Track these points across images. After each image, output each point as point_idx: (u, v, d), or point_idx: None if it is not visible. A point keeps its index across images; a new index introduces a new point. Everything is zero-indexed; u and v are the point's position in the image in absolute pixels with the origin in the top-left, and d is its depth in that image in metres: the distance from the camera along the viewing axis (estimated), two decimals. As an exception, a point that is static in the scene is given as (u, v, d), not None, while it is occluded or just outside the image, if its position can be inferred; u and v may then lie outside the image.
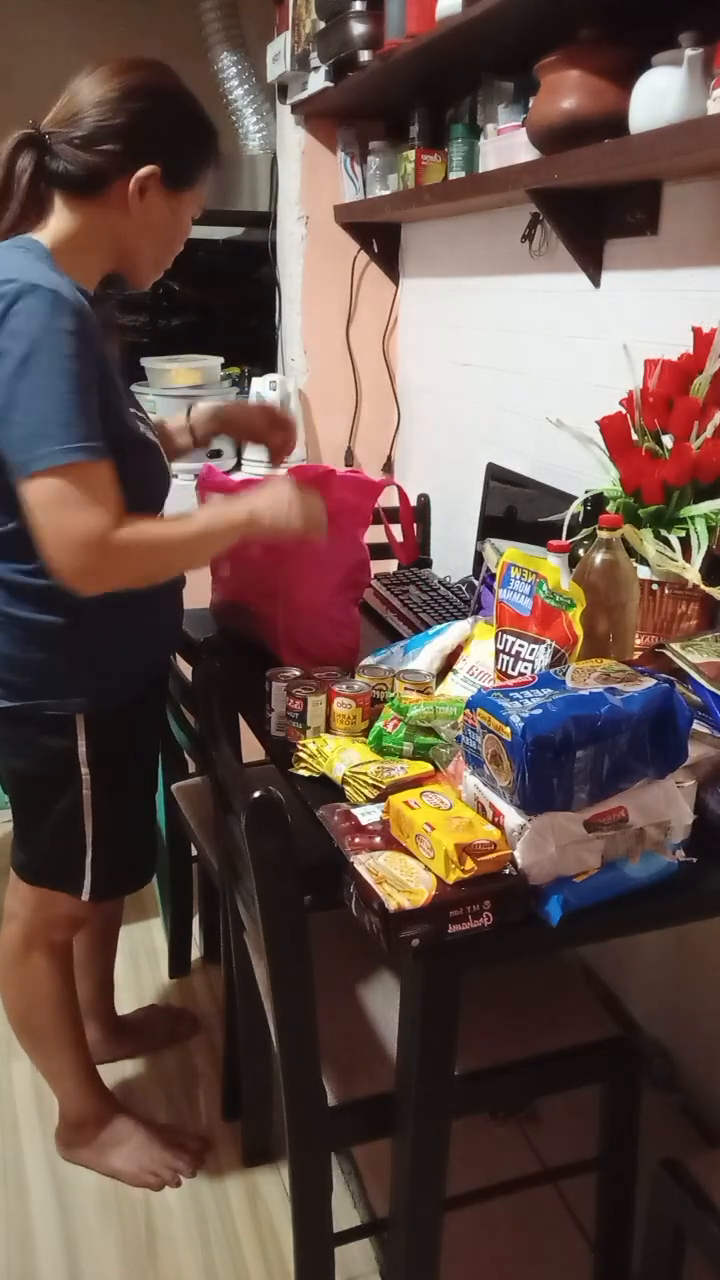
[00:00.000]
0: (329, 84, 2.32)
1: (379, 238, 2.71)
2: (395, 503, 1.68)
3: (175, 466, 1.54)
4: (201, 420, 1.64)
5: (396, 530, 1.70)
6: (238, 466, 2.81)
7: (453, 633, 1.47)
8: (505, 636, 1.24)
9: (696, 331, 1.45)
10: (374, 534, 1.71)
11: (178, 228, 1.36)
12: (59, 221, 1.29)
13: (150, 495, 1.37)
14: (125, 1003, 2.03)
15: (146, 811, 1.58)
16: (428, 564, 2.33)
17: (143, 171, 1.27)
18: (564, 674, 1.06)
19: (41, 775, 1.41)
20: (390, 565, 2.25)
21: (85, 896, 1.48)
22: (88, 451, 1.18)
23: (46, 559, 1.20)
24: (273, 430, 1.65)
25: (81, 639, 1.34)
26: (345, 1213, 1.58)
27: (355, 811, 1.11)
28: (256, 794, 1.05)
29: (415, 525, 2.41)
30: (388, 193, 2.43)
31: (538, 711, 0.96)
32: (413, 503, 2.44)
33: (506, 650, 1.24)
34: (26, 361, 1.15)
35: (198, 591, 1.70)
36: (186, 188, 1.33)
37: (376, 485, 1.58)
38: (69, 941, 1.59)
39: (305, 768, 1.29)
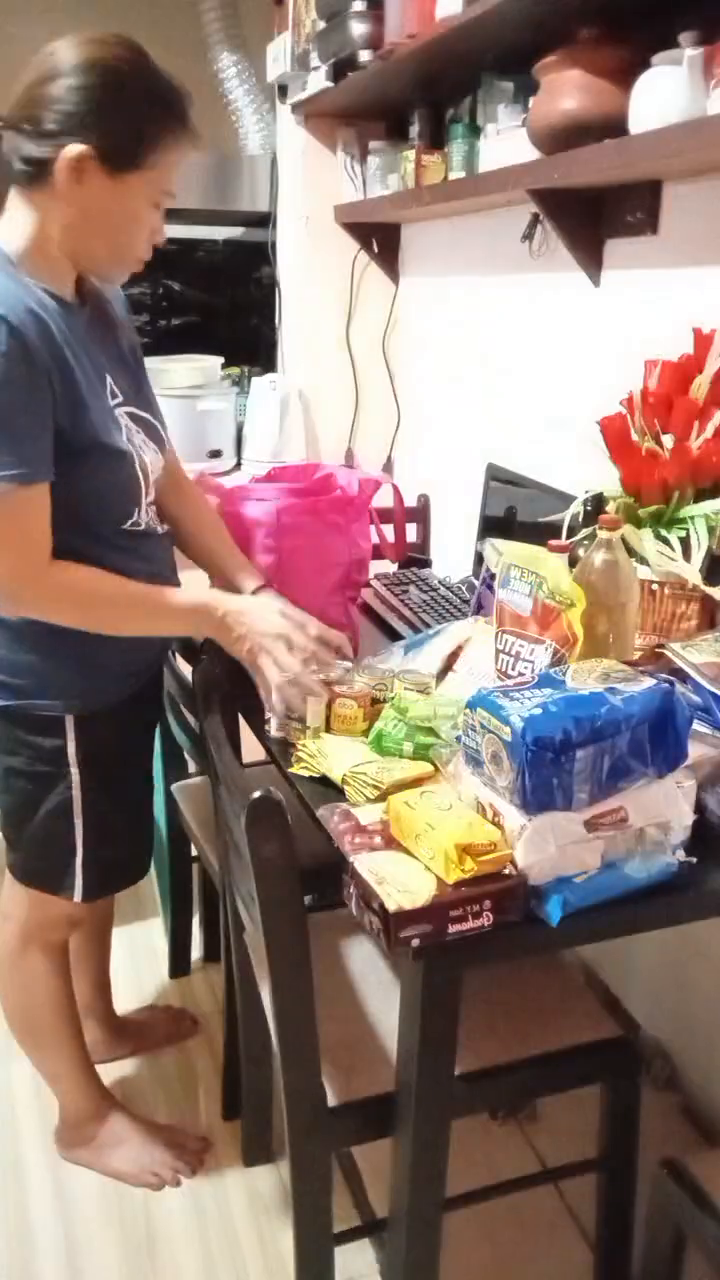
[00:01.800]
0: (329, 84, 2.32)
1: (379, 238, 2.71)
2: (390, 502, 1.68)
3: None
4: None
5: (388, 531, 1.70)
6: (238, 466, 2.81)
7: (453, 633, 1.47)
8: (505, 636, 1.24)
9: (696, 332, 1.45)
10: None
11: (129, 215, 1.24)
12: (14, 219, 1.23)
13: (116, 503, 1.34)
14: (125, 1003, 2.03)
15: (138, 811, 1.58)
16: (428, 564, 2.32)
17: (70, 152, 1.16)
18: (564, 674, 1.05)
19: (31, 774, 1.42)
20: (391, 565, 2.25)
21: (76, 897, 1.48)
22: (16, 477, 1.17)
23: None
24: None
25: (69, 641, 1.33)
26: (345, 1213, 1.58)
27: (355, 811, 1.11)
28: (256, 794, 1.05)
29: (409, 524, 2.42)
30: (388, 193, 2.43)
31: (538, 711, 0.96)
32: (413, 503, 2.45)
33: (506, 650, 1.24)
34: None
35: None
36: (132, 169, 1.20)
37: (370, 483, 1.58)
38: (65, 941, 1.59)
39: (305, 768, 1.29)
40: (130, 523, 1.36)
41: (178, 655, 1.74)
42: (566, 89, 1.59)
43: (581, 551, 1.31)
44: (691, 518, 1.38)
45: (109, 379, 1.33)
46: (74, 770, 1.41)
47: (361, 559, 1.65)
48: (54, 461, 1.21)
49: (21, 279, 1.20)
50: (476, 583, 1.83)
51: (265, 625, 1.33)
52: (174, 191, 1.27)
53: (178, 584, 1.48)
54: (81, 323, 1.30)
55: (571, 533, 1.45)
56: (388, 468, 2.90)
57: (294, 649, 1.31)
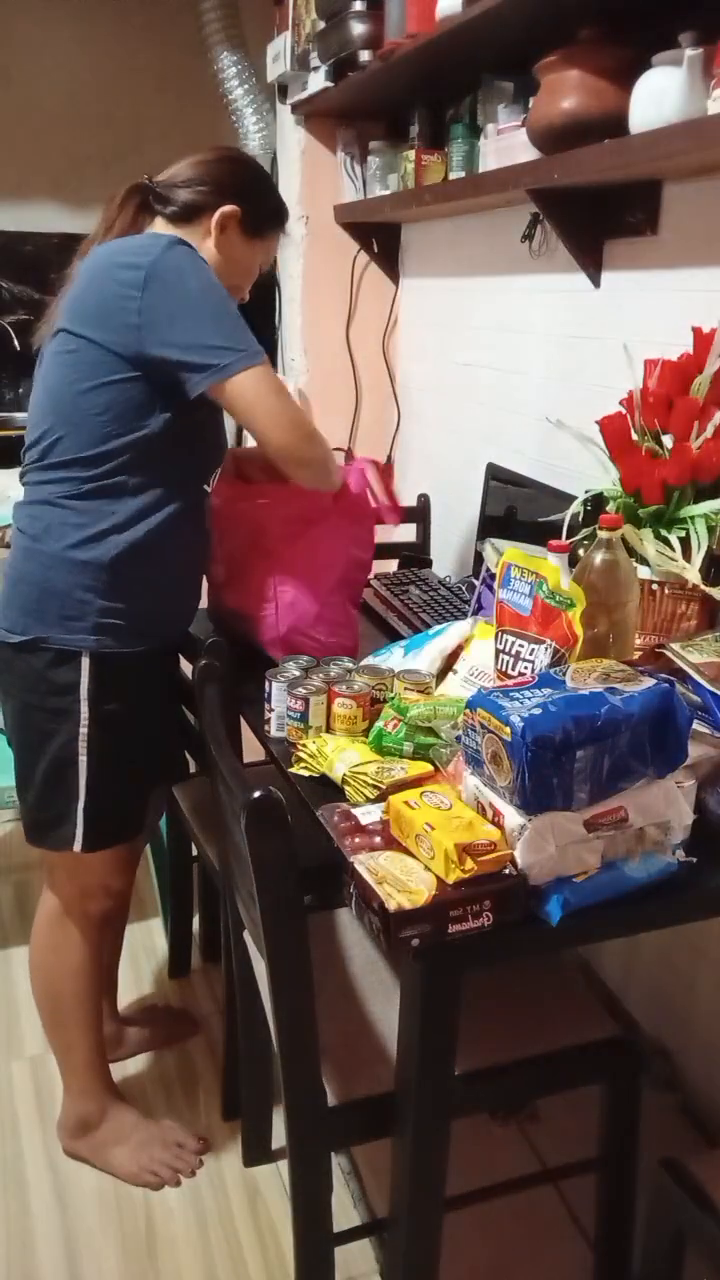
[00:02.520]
0: (329, 84, 2.32)
1: (379, 238, 2.71)
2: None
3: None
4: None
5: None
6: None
7: (453, 633, 1.47)
8: (505, 636, 1.24)
9: (696, 331, 1.45)
10: (376, 533, 1.71)
11: (246, 269, 1.58)
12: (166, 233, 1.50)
13: (212, 459, 1.57)
14: (125, 1003, 2.03)
15: (141, 766, 1.59)
16: (428, 564, 2.32)
17: (226, 208, 1.51)
18: (564, 674, 1.06)
19: (44, 710, 1.47)
20: (390, 565, 2.25)
21: (77, 847, 1.52)
22: (263, 353, 1.40)
23: (272, 444, 1.43)
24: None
25: (104, 577, 1.42)
26: (345, 1213, 1.58)
27: (355, 811, 1.11)
28: (256, 794, 1.05)
29: (409, 524, 2.42)
30: (388, 193, 2.43)
31: (538, 711, 0.96)
32: (413, 503, 2.45)
33: (506, 650, 1.24)
34: (192, 287, 1.36)
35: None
36: (259, 237, 1.56)
37: (353, 471, 1.61)
38: (103, 914, 1.63)
39: (305, 768, 1.29)
40: (210, 483, 1.57)
41: (179, 655, 1.74)
42: (566, 89, 1.59)
43: (581, 551, 1.31)
44: (691, 518, 1.37)
45: None
46: (83, 707, 1.45)
47: (360, 560, 1.65)
48: (187, 405, 1.41)
49: None
50: (476, 583, 1.83)
51: None
52: (267, 265, 1.64)
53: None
54: None
55: (571, 533, 1.45)
56: (388, 468, 2.90)
57: None
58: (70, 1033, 1.66)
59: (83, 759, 1.48)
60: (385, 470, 1.70)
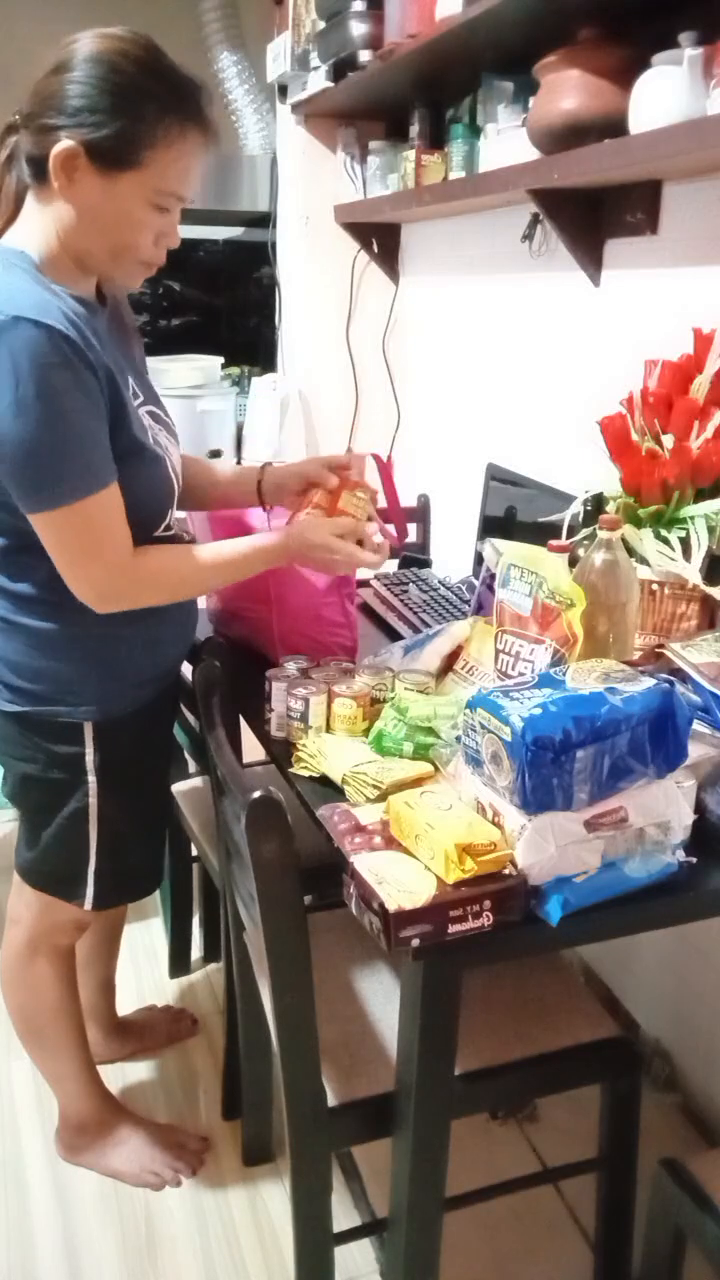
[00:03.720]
0: (329, 84, 2.32)
1: (379, 238, 2.71)
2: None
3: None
4: (273, 487, 1.53)
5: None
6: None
7: (453, 633, 1.47)
8: (505, 636, 1.24)
9: (696, 332, 1.45)
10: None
11: (122, 216, 1.18)
12: (31, 221, 1.22)
13: (154, 506, 1.34)
14: (125, 1003, 2.03)
15: (154, 821, 1.57)
16: (428, 564, 2.32)
17: (58, 148, 1.13)
18: (564, 674, 1.06)
19: (48, 781, 1.40)
20: (390, 565, 2.25)
21: (87, 905, 1.48)
22: (94, 484, 1.19)
23: (70, 586, 1.24)
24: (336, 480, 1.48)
25: (89, 647, 1.34)
26: (345, 1213, 1.58)
27: (355, 811, 1.11)
28: (256, 794, 1.05)
29: (409, 524, 2.41)
30: (388, 193, 2.43)
31: (538, 711, 0.96)
32: (413, 503, 2.45)
33: (506, 650, 1.24)
34: (21, 401, 1.11)
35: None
36: (123, 168, 1.15)
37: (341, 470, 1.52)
38: (72, 946, 1.59)
39: (305, 768, 1.29)
40: (163, 527, 1.36)
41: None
42: (566, 89, 1.59)
43: (581, 551, 1.31)
44: (691, 518, 1.37)
45: (130, 380, 1.31)
46: (91, 778, 1.39)
47: None
48: None
49: (49, 285, 1.18)
50: (476, 583, 1.83)
51: (316, 536, 1.38)
52: (182, 194, 1.21)
53: None
54: (104, 324, 1.28)
55: (571, 533, 1.45)
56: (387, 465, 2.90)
57: (346, 537, 1.39)
58: (57, 1062, 1.63)
59: (93, 829, 1.42)
60: (385, 467, 1.69)
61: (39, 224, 1.21)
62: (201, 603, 1.71)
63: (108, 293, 1.34)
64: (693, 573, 1.33)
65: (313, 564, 1.43)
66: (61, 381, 1.13)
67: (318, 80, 2.37)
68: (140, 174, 1.16)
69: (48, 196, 1.19)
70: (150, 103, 1.15)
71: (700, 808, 1.09)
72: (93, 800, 1.40)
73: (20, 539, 1.25)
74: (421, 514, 2.47)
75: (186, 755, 1.96)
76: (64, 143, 1.13)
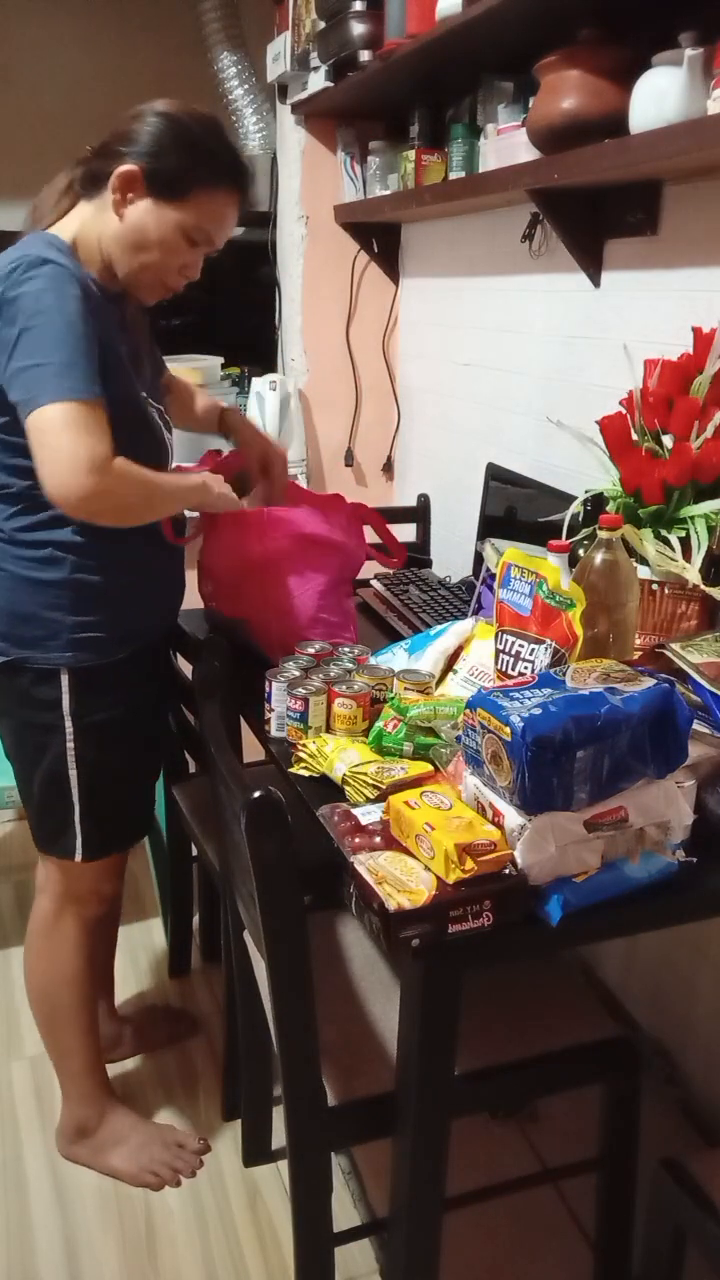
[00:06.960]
0: (329, 84, 2.32)
1: (379, 238, 2.71)
2: (391, 503, 1.68)
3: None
4: (214, 418, 1.77)
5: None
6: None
7: (453, 633, 1.47)
8: (505, 636, 1.24)
9: (696, 331, 1.45)
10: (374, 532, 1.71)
11: (161, 239, 1.36)
12: (73, 218, 1.39)
13: (151, 462, 1.43)
14: (125, 1003, 2.03)
15: (135, 772, 1.61)
16: (428, 564, 2.33)
17: (123, 168, 1.33)
18: (564, 674, 1.06)
19: (34, 726, 1.48)
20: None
21: (77, 856, 1.53)
22: (89, 392, 1.27)
23: (45, 481, 1.27)
24: (260, 476, 1.70)
25: (68, 594, 1.41)
26: (345, 1213, 1.58)
27: (355, 811, 1.11)
28: (256, 794, 1.05)
29: (409, 524, 2.42)
30: (388, 193, 2.43)
31: (538, 711, 0.96)
32: (413, 503, 2.45)
33: (506, 650, 1.24)
34: (35, 315, 1.25)
35: (197, 593, 1.70)
36: (175, 199, 1.35)
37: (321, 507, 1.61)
38: (96, 918, 1.63)
39: (305, 768, 1.29)
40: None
41: (178, 655, 1.74)
42: (566, 89, 1.59)
43: (581, 551, 1.31)
44: (691, 518, 1.38)
45: (137, 369, 1.44)
46: (68, 723, 1.46)
47: (355, 560, 1.65)
48: None
49: (75, 262, 1.34)
50: (476, 583, 1.83)
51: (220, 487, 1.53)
52: (213, 237, 1.40)
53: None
54: (118, 311, 1.43)
55: (571, 533, 1.45)
56: (387, 468, 2.91)
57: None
58: (67, 1039, 1.65)
59: (72, 772, 1.49)
60: (369, 513, 1.69)
61: (77, 220, 1.39)
62: (201, 603, 1.72)
63: (130, 302, 1.47)
64: (693, 573, 1.33)
65: (205, 505, 1.54)
66: (74, 308, 1.28)
67: (318, 80, 2.37)
68: (184, 207, 1.36)
69: (96, 203, 1.37)
70: (206, 156, 1.36)
71: (700, 808, 1.09)
72: (70, 745, 1.47)
73: (21, 480, 1.34)
74: (421, 514, 2.47)
75: (186, 755, 1.96)
76: (128, 164, 1.33)
